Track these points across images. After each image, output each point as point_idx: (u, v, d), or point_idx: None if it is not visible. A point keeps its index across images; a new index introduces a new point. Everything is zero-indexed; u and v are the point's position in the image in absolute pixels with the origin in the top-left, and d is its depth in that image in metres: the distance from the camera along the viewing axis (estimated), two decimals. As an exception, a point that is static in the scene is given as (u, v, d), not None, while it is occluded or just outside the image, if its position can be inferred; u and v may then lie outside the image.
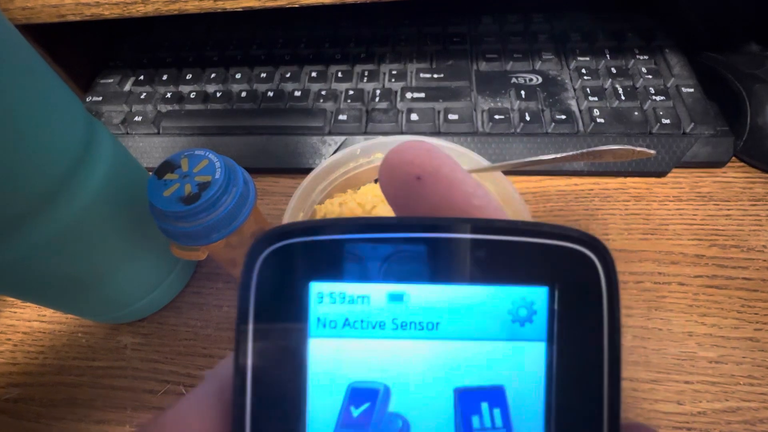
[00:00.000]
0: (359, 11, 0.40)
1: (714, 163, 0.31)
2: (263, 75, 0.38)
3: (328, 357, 0.09)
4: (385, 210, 0.27)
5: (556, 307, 0.09)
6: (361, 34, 0.40)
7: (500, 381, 0.09)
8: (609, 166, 0.32)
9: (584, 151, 0.25)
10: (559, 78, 0.35)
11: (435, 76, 0.36)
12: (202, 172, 0.21)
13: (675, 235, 0.29)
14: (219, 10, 0.32)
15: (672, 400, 0.24)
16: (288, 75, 0.38)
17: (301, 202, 0.27)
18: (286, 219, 0.26)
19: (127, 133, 0.36)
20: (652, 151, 0.25)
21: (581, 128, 0.32)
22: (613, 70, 0.35)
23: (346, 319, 0.09)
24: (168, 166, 0.22)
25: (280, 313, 0.09)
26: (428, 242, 0.09)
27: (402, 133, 0.34)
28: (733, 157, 0.32)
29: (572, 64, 0.36)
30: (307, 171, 0.28)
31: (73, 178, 0.20)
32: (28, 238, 0.20)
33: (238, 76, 0.38)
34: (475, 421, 0.09)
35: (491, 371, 0.09)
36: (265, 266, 0.09)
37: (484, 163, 0.28)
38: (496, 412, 0.09)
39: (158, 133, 0.36)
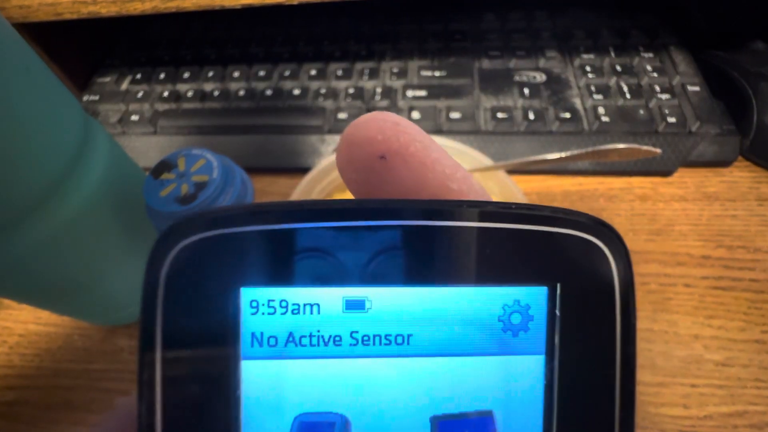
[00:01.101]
0: (359, 8, 0.40)
1: (720, 163, 0.31)
2: (262, 73, 0.37)
3: (268, 383, 0.07)
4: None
5: (557, 311, 0.07)
6: (361, 31, 0.40)
7: (488, 406, 0.07)
8: (614, 165, 0.31)
9: (589, 150, 0.25)
10: (563, 76, 0.35)
11: (437, 73, 0.36)
12: (199, 171, 0.21)
13: (681, 235, 0.29)
14: (217, 8, 0.32)
15: (678, 404, 0.23)
16: (287, 73, 0.37)
17: (300, 203, 0.27)
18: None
19: (124, 133, 0.36)
20: (658, 150, 0.24)
21: (586, 127, 0.32)
22: (618, 68, 0.34)
23: (290, 334, 0.07)
24: (165, 166, 0.21)
25: (200, 330, 0.07)
26: (396, 233, 0.07)
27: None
28: (740, 157, 0.32)
29: (576, 62, 0.35)
30: (306, 170, 0.28)
31: (68, 179, 0.20)
32: (23, 239, 0.19)
33: (236, 74, 0.38)
34: None
35: (477, 394, 0.07)
36: (176, 267, 0.07)
37: (487, 162, 0.27)
38: None
39: (155, 133, 0.36)
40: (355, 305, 0.07)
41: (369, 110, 0.35)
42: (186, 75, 0.38)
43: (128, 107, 0.37)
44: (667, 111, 0.31)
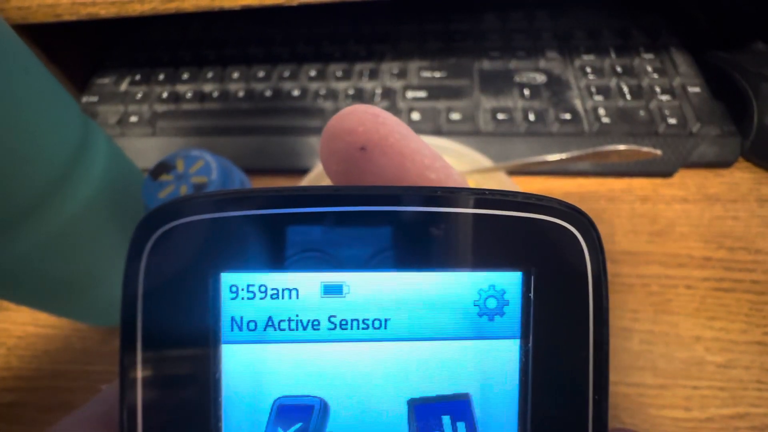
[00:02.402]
0: (359, 8, 0.40)
1: (721, 164, 0.31)
2: (261, 74, 0.37)
3: (248, 367, 0.07)
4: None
5: (531, 295, 0.07)
6: (361, 32, 0.40)
7: (465, 389, 0.07)
8: (614, 166, 0.31)
9: (590, 151, 0.25)
10: (563, 77, 0.35)
11: (437, 74, 0.36)
12: (198, 173, 0.21)
13: (682, 236, 0.29)
14: (216, 9, 0.31)
15: (679, 406, 0.23)
16: (286, 74, 0.37)
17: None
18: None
19: (123, 134, 0.36)
20: (659, 152, 0.24)
21: (586, 128, 0.32)
22: (619, 69, 0.34)
23: (269, 319, 0.07)
24: (163, 167, 0.21)
25: (180, 315, 0.07)
26: (372, 218, 0.07)
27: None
28: (740, 158, 0.32)
29: (577, 63, 0.35)
30: (305, 172, 0.28)
31: (67, 180, 0.20)
32: (22, 241, 0.19)
33: (235, 75, 0.38)
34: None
35: (454, 377, 0.07)
36: (156, 252, 0.07)
37: (487, 163, 0.27)
38: (461, 426, 0.07)
39: (154, 134, 0.35)
40: (333, 290, 0.07)
41: (369, 111, 0.35)
42: (185, 76, 0.38)
43: (127, 108, 0.37)
44: (667, 112, 0.31)
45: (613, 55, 0.35)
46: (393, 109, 0.34)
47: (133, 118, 0.36)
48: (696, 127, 0.31)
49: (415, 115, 0.33)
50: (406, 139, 0.08)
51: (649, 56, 0.35)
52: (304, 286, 0.07)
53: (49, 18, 0.33)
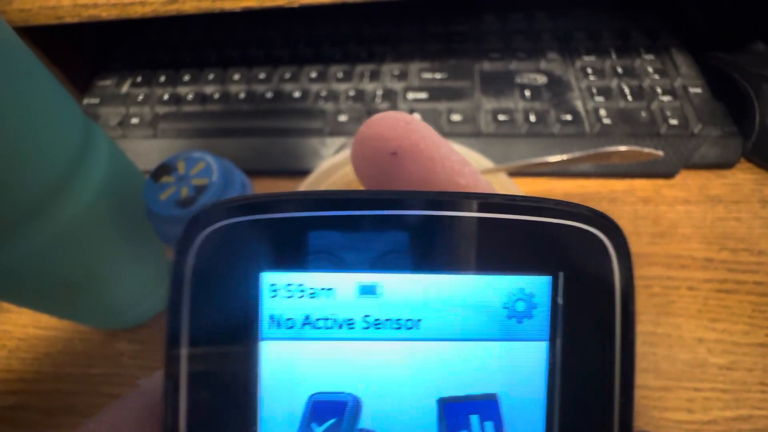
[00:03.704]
0: (359, 10, 0.40)
1: (723, 165, 0.31)
2: (262, 76, 0.37)
3: (284, 363, 0.08)
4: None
5: (560, 300, 0.08)
6: (361, 34, 0.40)
7: (493, 389, 0.08)
8: (616, 167, 0.31)
9: (591, 152, 0.25)
10: (564, 78, 0.35)
11: (437, 75, 0.36)
12: (199, 174, 0.21)
13: (684, 238, 0.29)
14: (217, 11, 0.32)
15: (682, 408, 0.23)
16: (287, 76, 0.37)
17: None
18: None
19: (125, 136, 0.36)
20: (660, 153, 0.24)
21: (587, 129, 0.32)
22: (619, 70, 0.34)
23: (307, 317, 0.08)
24: (164, 169, 0.21)
25: (223, 311, 0.07)
26: (407, 222, 0.07)
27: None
28: (742, 158, 0.31)
29: (577, 64, 0.35)
30: (307, 173, 0.28)
31: (69, 182, 0.20)
32: (24, 243, 0.19)
33: (236, 77, 0.38)
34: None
35: (483, 378, 0.08)
36: (203, 251, 0.07)
37: (489, 164, 0.27)
38: (488, 426, 0.08)
39: (155, 136, 0.36)
40: (368, 290, 0.08)
41: (369, 112, 0.35)
42: (186, 78, 0.38)
43: (129, 110, 0.37)
44: (668, 113, 0.31)
45: (613, 56, 0.35)
46: (393, 110, 0.34)
47: (135, 120, 0.36)
48: (697, 128, 0.31)
49: (416, 117, 0.33)
50: (436, 145, 0.09)
51: (649, 57, 0.35)
52: (341, 286, 0.08)
53: (50, 20, 0.33)
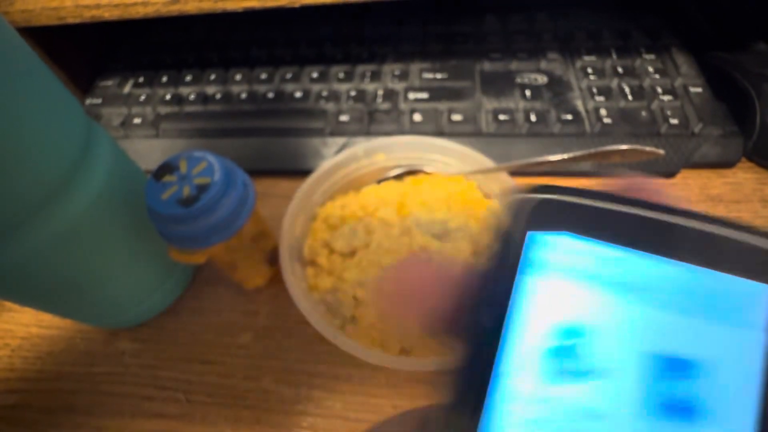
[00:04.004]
0: (361, 11, 0.40)
1: (723, 164, 0.31)
2: (263, 76, 0.38)
3: (552, 298, 0.10)
4: (387, 212, 0.27)
5: None
6: (362, 34, 0.40)
7: (710, 358, 0.09)
8: (617, 167, 0.31)
9: (592, 151, 0.25)
10: (564, 78, 0.35)
11: (438, 76, 0.36)
12: (201, 174, 0.21)
13: (684, 237, 0.29)
14: (219, 11, 0.32)
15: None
16: (289, 76, 0.37)
17: (301, 205, 0.27)
18: (286, 222, 0.26)
19: (127, 136, 0.36)
20: (661, 151, 0.24)
21: (588, 129, 0.32)
22: (620, 70, 0.34)
23: (580, 269, 0.10)
24: (166, 168, 0.21)
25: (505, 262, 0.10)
26: (675, 226, 0.10)
27: (405, 134, 0.33)
28: (743, 158, 0.31)
29: (578, 64, 0.35)
30: (308, 173, 0.28)
31: (71, 182, 0.20)
32: (26, 242, 0.19)
33: (238, 77, 0.38)
34: (671, 388, 0.09)
35: (701, 347, 0.09)
36: (534, 213, 0.10)
37: (489, 164, 0.27)
38: (699, 385, 0.09)
39: (157, 136, 0.36)
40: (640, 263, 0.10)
41: (371, 113, 0.35)
42: (188, 78, 0.38)
43: (131, 110, 0.37)
44: (669, 112, 0.31)
45: (614, 55, 0.35)
46: (395, 110, 0.34)
47: (137, 120, 0.36)
48: (698, 128, 0.31)
49: (417, 117, 0.34)
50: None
51: (650, 57, 0.35)
52: (627, 261, 0.10)
53: (52, 21, 0.33)
